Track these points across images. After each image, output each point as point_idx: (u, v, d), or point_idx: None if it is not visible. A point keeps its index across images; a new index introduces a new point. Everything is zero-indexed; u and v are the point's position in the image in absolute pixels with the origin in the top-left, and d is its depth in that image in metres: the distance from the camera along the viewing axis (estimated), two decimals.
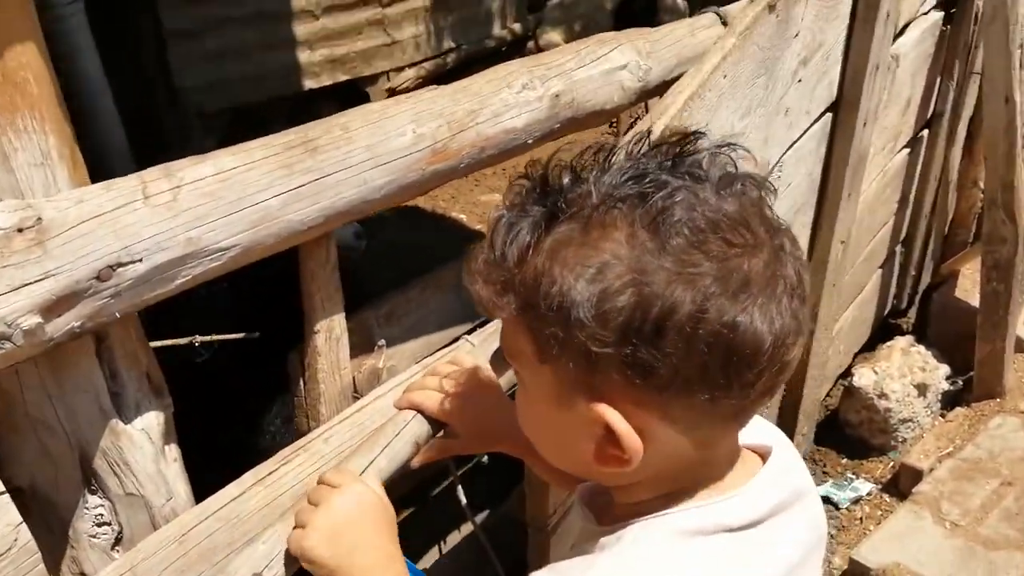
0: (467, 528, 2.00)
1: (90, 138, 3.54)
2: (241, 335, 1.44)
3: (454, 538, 2.00)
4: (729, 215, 0.79)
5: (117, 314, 1.12)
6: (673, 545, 0.90)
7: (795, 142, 1.97)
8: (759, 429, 0.97)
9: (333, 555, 1.06)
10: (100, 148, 3.68)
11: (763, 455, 0.98)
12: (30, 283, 1.01)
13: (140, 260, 1.11)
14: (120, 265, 1.09)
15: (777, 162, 1.91)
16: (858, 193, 2.37)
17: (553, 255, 0.80)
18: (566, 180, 0.83)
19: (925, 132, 3.16)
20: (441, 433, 1.29)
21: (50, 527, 1.27)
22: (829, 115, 2.12)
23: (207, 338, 1.46)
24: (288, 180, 1.24)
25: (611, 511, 1.00)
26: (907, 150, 3.04)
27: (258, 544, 1.09)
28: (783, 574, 0.95)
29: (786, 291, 0.81)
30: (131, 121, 3.46)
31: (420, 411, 1.27)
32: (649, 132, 0.87)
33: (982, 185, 3.53)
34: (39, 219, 1.02)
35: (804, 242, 2.34)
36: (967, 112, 3.36)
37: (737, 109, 1.59)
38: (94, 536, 1.29)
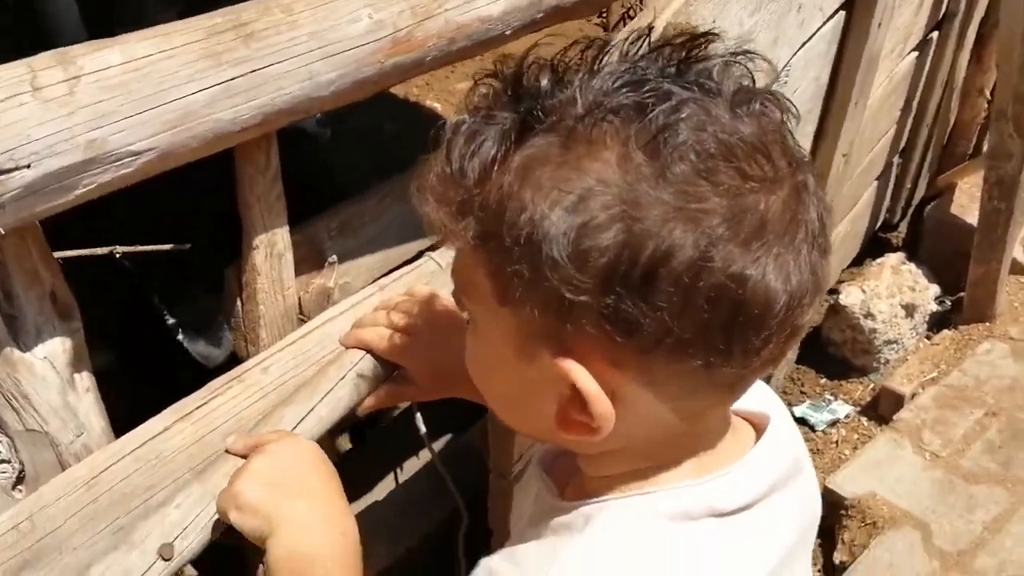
0: (426, 456, 1.87)
1: (41, 7, 3.28)
2: (169, 247, 1.24)
3: (412, 465, 1.87)
4: (745, 139, 0.66)
5: (1, 230, 0.93)
6: (654, 531, 0.77)
7: (805, 43, 1.77)
8: (753, 393, 0.81)
9: (270, 500, 0.92)
10: (52, 19, 3.43)
11: (757, 425, 0.85)
12: None
13: (28, 166, 0.91)
14: (3, 172, 0.89)
15: (786, 65, 1.72)
16: (866, 100, 2.19)
17: (524, 175, 0.66)
18: (545, 82, 0.70)
19: (935, 34, 2.94)
20: (393, 376, 1.13)
21: None
22: (842, 13, 1.92)
23: (129, 249, 1.27)
24: (217, 72, 1.04)
25: (578, 482, 0.86)
26: (915, 53, 2.83)
27: (169, 508, 0.93)
28: (778, 562, 0.81)
29: (807, 239, 0.68)
30: None
31: (369, 351, 1.11)
32: (650, 29, 0.73)
33: (988, 95, 3.34)
34: None
35: (806, 150, 2.16)
36: (979, 13, 3.14)
37: (748, 4, 1.39)
38: None
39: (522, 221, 0.65)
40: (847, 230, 2.99)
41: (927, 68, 3.01)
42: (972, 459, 2.56)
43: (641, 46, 0.71)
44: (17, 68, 0.92)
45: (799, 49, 1.75)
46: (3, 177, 0.90)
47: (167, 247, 1.26)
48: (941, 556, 2.35)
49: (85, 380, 1.17)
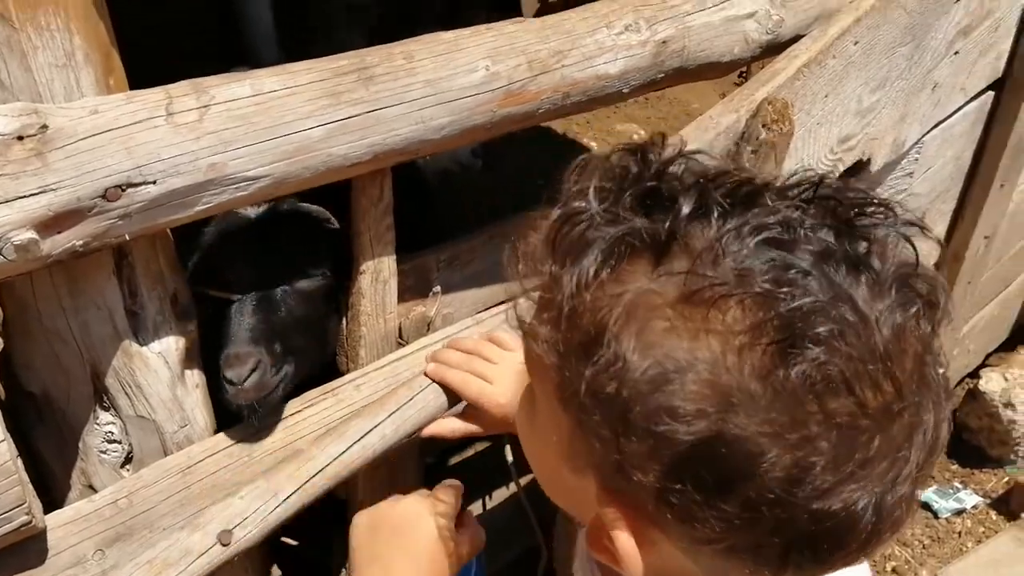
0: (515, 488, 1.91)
1: (236, 15, 3.51)
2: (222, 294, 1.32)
3: (501, 494, 1.92)
4: (879, 357, 0.58)
5: (127, 236, 1.05)
6: None
7: (942, 121, 1.73)
8: None
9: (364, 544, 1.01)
10: (246, 27, 3.66)
11: None
12: (24, 196, 0.94)
13: (154, 182, 1.03)
14: (131, 186, 1.01)
15: (916, 142, 1.68)
16: (1014, 184, 2.10)
17: (629, 314, 0.60)
18: (686, 203, 0.62)
19: None
20: (462, 411, 1.19)
21: (62, 436, 1.24)
22: (990, 94, 1.86)
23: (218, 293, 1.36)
24: (334, 111, 1.13)
25: None
26: None
27: (234, 499, 1.02)
28: None
29: (908, 477, 0.61)
30: (280, 4, 3.43)
31: (443, 385, 1.17)
32: (820, 180, 0.64)
33: None
34: (44, 127, 0.95)
35: (941, 231, 2.10)
36: None
37: (869, 81, 1.38)
38: (103, 452, 1.25)
39: (607, 363, 0.60)
40: (993, 313, 2.85)
41: None
42: None
43: (805, 189, 0.64)
44: (156, 94, 1.04)
45: (933, 128, 1.71)
46: (131, 190, 1.01)
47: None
48: None
49: (195, 377, 1.29)
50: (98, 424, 1.23)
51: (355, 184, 1.30)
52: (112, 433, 1.24)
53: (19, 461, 1.03)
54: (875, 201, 0.64)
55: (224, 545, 0.99)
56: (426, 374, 1.22)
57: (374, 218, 1.33)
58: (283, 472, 1.04)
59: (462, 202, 3.50)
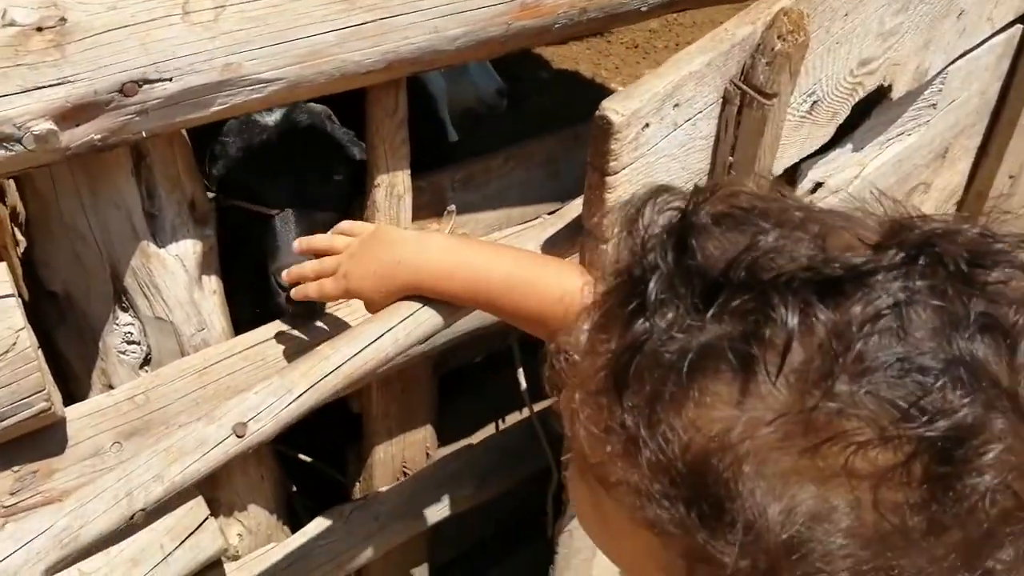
0: (517, 415, 1.94)
1: None
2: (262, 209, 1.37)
3: (514, 418, 1.95)
4: None
5: (144, 133, 1.07)
6: None
7: (967, 52, 1.70)
8: None
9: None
10: None
11: None
12: (43, 87, 0.96)
13: (170, 79, 1.04)
14: (147, 82, 1.03)
15: (940, 72, 1.66)
16: None
17: (745, 457, 0.50)
18: (786, 308, 0.50)
19: None
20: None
21: (82, 336, 1.28)
22: (1019, 27, 1.82)
23: (229, 200, 1.40)
24: (348, 16, 1.14)
25: None
26: None
27: (249, 393, 1.05)
28: None
29: None
30: None
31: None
32: (929, 235, 0.52)
33: None
34: (63, 19, 0.96)
35: (966, 167, 2.07)
36: None
37: (891, 2, 1.37)
38: (123, 352, 1.29)
39: (733, 535, 0.51)
40: None
41: None
42: None
43: (906, 245, 0.51)
44: None
45: (958, 59, 1.68)
46: (148, 87, 1.03)
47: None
48: None
49: (212, 283, 1.32)
50: (117, 324, 1.27)
51: (369, 95, 1.31)
52: (131, 334, 1.28)
53: (39, 351, 1.06)
54: (988, 236, 0.53)
55: (239, 437, 1.02)
56: (293, 296, 1.25)
57: (388, 130, 1.34)
58: (297, 370, 1.07)
59: (484, 143, 3.50)
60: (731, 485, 0.50)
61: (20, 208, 1.22)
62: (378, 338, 1.12)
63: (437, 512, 1.72)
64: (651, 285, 0.54)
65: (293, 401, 1.07)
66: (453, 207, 1.53)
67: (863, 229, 0.54)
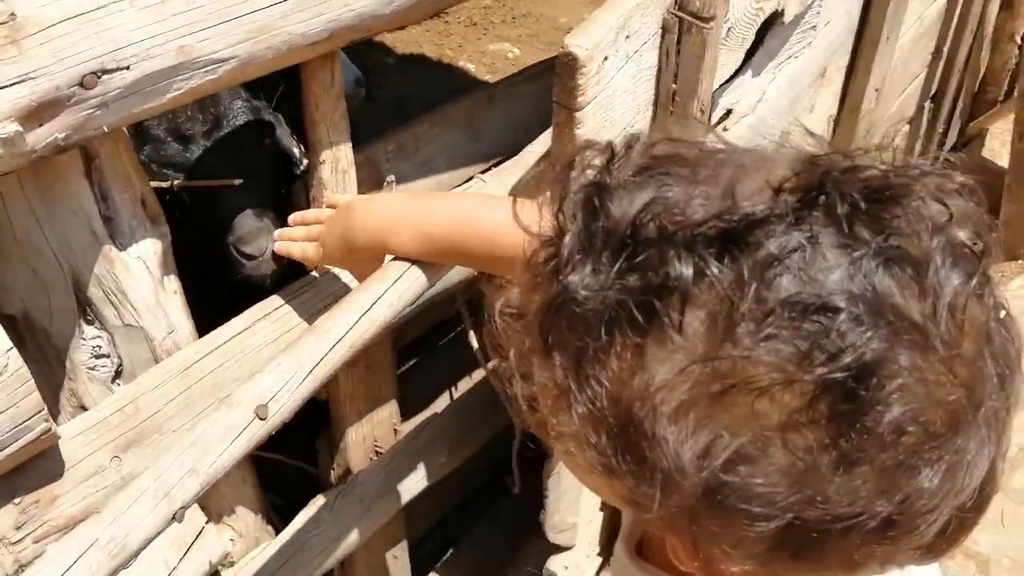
0: (478, 376, 1.96)
1: None
2: (225, 182, 1.35)
3: (466, 385, 1.97)
4: (947, 364, 0.52)
5: (105, 127, 1.03)
6: None
7: None
8: None
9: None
10: None
11: None
12: (6, 86, 0.91)
13: (127, 68, 1.01)
14: (105, 72, 0.99)
15: None
16: (896, 37, 2.23)
17: (671, 409, 0.53)
18: (684, 265, 0.53)
19: None
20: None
21: (47, 358, 1.21)
22: None
23: (187, 183, 1.37)
24: None
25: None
26: None
27: (263, 376, 1.03)
28: None
29: (985, 470, 0.57)
30: None
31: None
32: (820, 168, 0.55)
33: (1019, 40, 3.36)
34: (12, 14, 0.91)
35: (839, 86, 2.21)
36: None
37: None
38: (92, 368, 1.23)
39: (649, 456, 0.54)
40: None
41: (957, 14, 3.04)
42: None
43: (801, 191, 0.54)
44: None
45: None
46: (107, 77, 0.99)
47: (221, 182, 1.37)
48: None
49: (173, 283, 1.28)
50: (84, 339, 1.21)
51: (305, 71, 1.29)
52: (99, 347, 1.22)
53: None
54: (878, 170, 0.55)
55: (262, 419, 1.00)
56: (276, 250, 1.32)
57: (328, 105, 1.33)
58: (302, 348, 1.05)
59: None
60: (649, 433, 0.53)
61: None
62: (372, 306, 1.12)
63: (416, 484, 1.72)
64: (565, 245, 0.57)
65: (306, 377, 1.06)
66: (392, 177, 1.53)
67: (777, 169, 0.56)
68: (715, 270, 0.52)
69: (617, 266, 0.54)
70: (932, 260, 0.52)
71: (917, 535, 0.55)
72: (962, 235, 0.54)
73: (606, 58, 1.13)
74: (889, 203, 0.53)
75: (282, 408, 1.03)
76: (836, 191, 0.52)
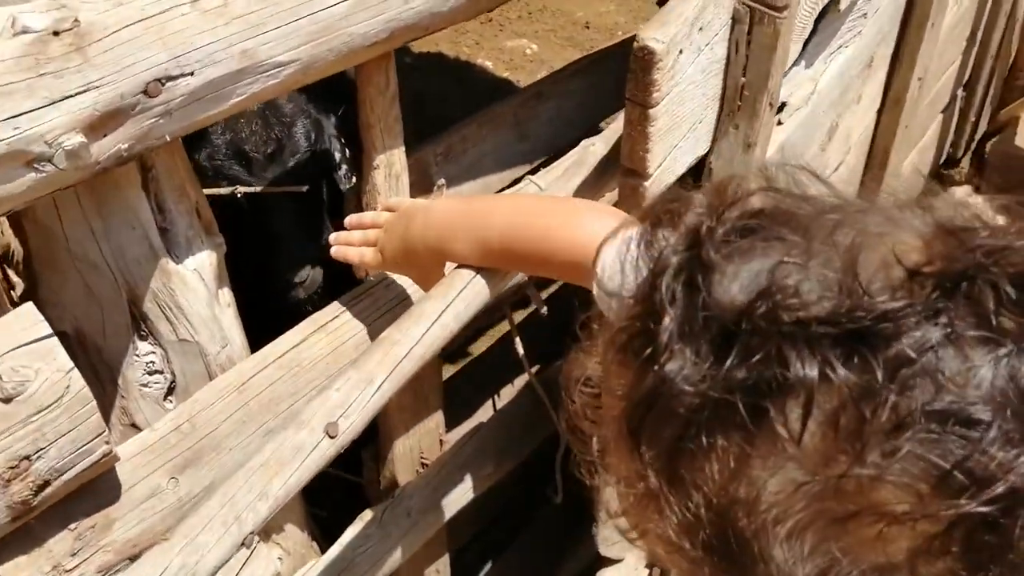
0: (520, 382, 1.92)
1: None
2: (288, 187, 1.31)
3: (508, 393, 1.92)
4: None
5: (168, 136, 0.98)
6: None
7: None
8: None
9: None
10: None
11: None
12: (71, 95, 0.87)
13: (191, 74, 0.96)
14: (170, 79, 0.94)
15: None
16: (940, 23, 2.18)
17: (785, 527, 0.47)
18: (808, 365, 0.46)
19: None
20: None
21: (98, 375, 1.17)
22: None
23: (249, 189, 1.33)
24: None
25: None
26: None
27: (331, 392, 0.99)
28: None
29: None
30: None
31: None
32: (969, 254, 0.47)
33: None
34: (76, 20, 0.87)
35: (883, 75, 2.16)
36: None
37: None
38: (145, 385, 1.19)
39: (756, 570, 0.48)
40: (915, 160, 2.98)
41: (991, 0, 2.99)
42: None
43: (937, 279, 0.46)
44: None
45: None
46: (171, 84, 0.95)
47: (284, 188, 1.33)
48: None
49: (226, 295, 1.23)
50: (138, 355, 1.17)
51: (360, 74, 1.25)
52: (153, 363, 1.18)
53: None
54: None
55: (332, 437, 0.95)
56: (333, 254, 1.26)
57: (383, 108, 1.29)
58: (372, 360, 1.01)
59: None
60: (756, 551, 0.47)
61: (15, 247, 1.10)
62: (441, 314, 1.08)
63: (463, 497, 1.68)
64: (663, 329, 0.50)
65: (375, 392, 1.02)
66: (443, 181, 1.49)
67: (905, 235, 0.49)
68: (842, 373, 0.45)
69: (723, 359, 0.47)
70: None
71: None
72: None
73: (681, 51, 1.09)
74: None
75: (352, 425, 0.99)
76: (985, 279, 0.45)
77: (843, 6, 1.59)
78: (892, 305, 0.45)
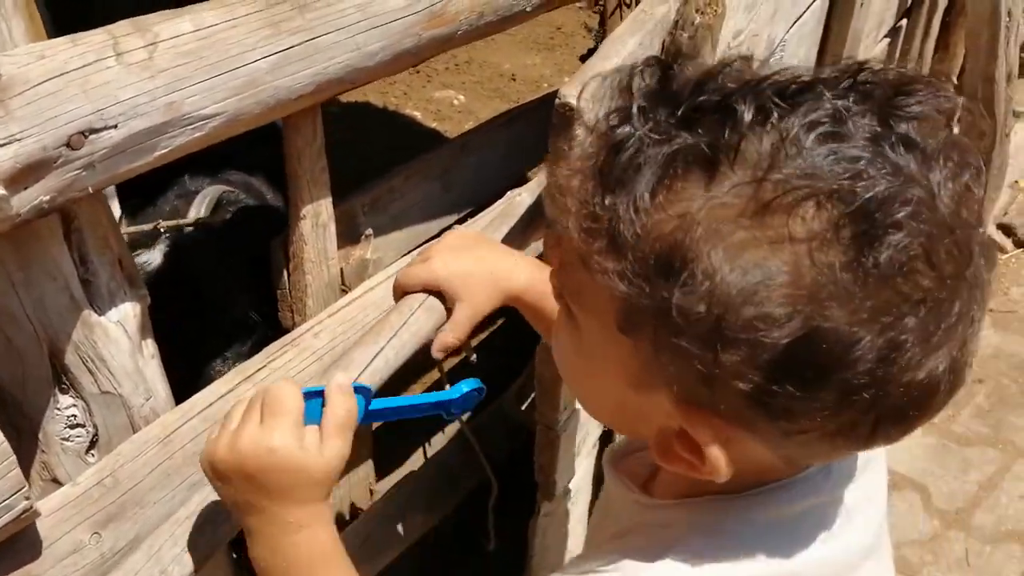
0: (452, 430, 1.92)
1: None
2: (216, 219, 1.30)
3: (439, 440, 1.92)
4: (949, 226, 0.59)
5: (91, 188, 0.98)
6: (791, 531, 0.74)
7: (799, 18, 1.86)
8: None
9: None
10: None
11: None
12: None
13: (115, 126, 0.97)
14: (93, 131, 0.95)
15: (780, 40, 1.80)
16: None
17: (709, 231, 0.59)
18: (747, 110, 0.60)
19: (904, 22, 3.06)
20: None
21: (17, 429, 1.15)
22: None
23: (174, 223, 1.32)
24: (276, 41, 1.10)
25: (660, 476, 0.85)
26: (887, 40, 2.95)
27: None
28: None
29: (976, 331, 0.64)
30: None
31: (407, 290, 1.14)
32: (860, 68, 0.64)
33: (955, 79, 3.46)
34: None
35: None
36: (943, 3, 3.26)
37: None
38: (67, 439, 1.17)
39: (694, 283, 0.59)
40: None
41: (897, 55, 3.13)
42: (963, 424, 2.66)
43: (848, 76, 0.62)
44: (99, 35, 0.98)
45: (793, 24, 1.83)
46: (94, 136, 0.95)
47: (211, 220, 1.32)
48: (941, 515, 2.44)
49: (150, 347, 1.22)
50: (59, 409, 1.15)
51: (288, 125, 1.27)
52: (75, 416, 1.16)
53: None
54: (911, 78, 0.63)
55: None
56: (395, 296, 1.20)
57: (310, 159, 1.30)
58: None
59: None
60: (693, 250, 0.59)
61: None
62: (371, 360, 1.09)
63: (394, 547, 1.67)
64: (635, 100, 0.64)
65: None
66: (370, 231, 1.50)
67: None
68: (774, 115, 0.60)
69: (684, 114, 0.62)
70: (940, 157, 0.60)
71: (898, 387, 0.60)
72: (966, 153, 0.63)
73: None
74: (912, 99, 0.61)
75: None
76: (874, 79, 0.62)
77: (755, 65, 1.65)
78: (810, 77, 0.64)
